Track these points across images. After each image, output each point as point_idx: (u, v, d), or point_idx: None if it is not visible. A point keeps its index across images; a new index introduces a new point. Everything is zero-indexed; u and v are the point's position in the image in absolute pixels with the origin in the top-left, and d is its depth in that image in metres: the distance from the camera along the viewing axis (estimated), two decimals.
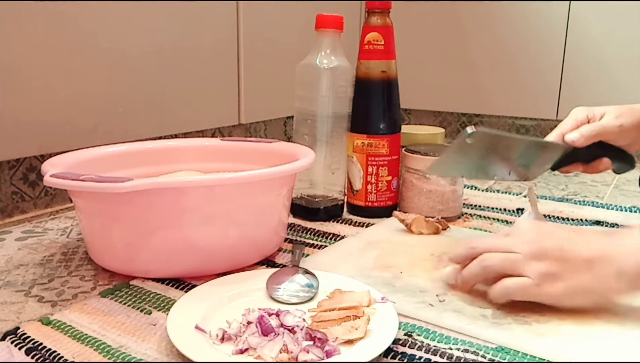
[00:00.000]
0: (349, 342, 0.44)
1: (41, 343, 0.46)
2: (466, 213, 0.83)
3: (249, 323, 0.47)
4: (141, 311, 0.52)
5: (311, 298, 0.53)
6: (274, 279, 0.55)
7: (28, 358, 0.44)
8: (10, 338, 0.46)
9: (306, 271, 0.57)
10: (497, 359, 0.44)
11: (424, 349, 0.45)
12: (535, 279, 0.48)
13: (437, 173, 0.68)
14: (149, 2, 0.92)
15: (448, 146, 0.61)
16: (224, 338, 0.45)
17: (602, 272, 0.47)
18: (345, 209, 0.84)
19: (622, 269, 0.47)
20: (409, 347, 0.46)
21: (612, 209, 0.87)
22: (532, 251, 0.49)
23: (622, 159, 0.67)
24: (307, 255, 0.66)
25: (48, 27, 0.79)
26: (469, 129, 0.54)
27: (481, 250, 0.52)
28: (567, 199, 0.93)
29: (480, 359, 0.44)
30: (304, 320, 0.48)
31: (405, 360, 0.44)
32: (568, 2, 1.26)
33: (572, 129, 0.64)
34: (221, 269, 0.59)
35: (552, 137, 0.65)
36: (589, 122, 0.64)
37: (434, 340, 0.47)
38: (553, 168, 0.66)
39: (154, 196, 0.53)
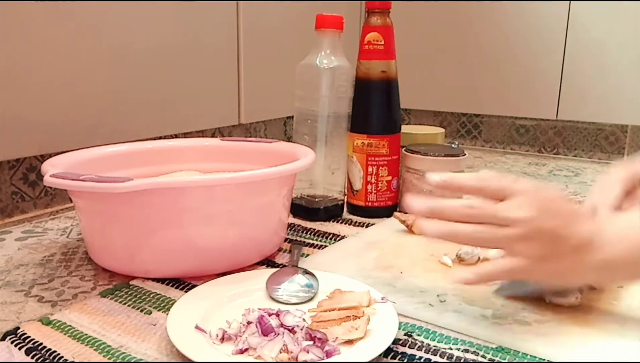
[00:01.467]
0: (349, 342, 0.44)
1: (41, 343, 0.46)
2: None
3: (249, 323, 0.47)
4: (141, 311, 0.52)
5: (311, 299, 0.53)
6: (273, 279, 0.55)
7: (28, 358, 0.44)
8: (10, 338, 0.46)
9: (306, 272, 0.57)
10: (497, 359, 0.44)
11: (424, 349, 0.45)
12: (524, 260, 0.47)
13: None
14: (149, 2, 0.92)
15: None
16: (224, 338, 0.45)
17: (586, 260, 0.47)
18: (345, 209, 0.84)
19: (607, 259, 0.46)
20: (409, 347, 0.46)
21: None
22: (526, 232, 0.47)
23: None
24: (307, 255, 0.66)
25: (48, 27, 0.79)
26: None
27: (478, 214, 0.48)
28: None
29: (480, 359, 0.44)
30: (304, 320, 0.48)
31: (405, 360, 0.44)
32: (568, 2, 1.26)
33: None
34: (221, 269, 0.59)
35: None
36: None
37: (434, 340, 0.47)
38: None
39: (154, 196, 0.53)
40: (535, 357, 0.44)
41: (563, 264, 0.48)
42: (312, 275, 0.56)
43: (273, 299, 0.53)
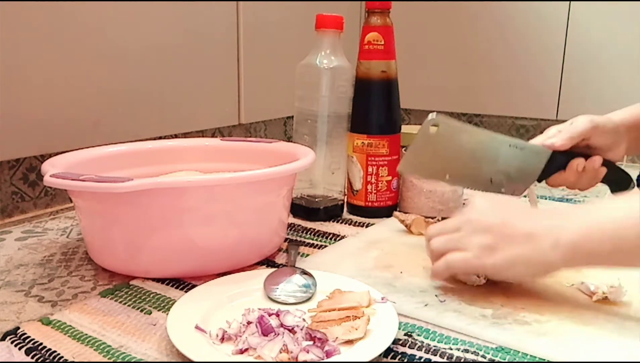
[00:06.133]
0: (349, 342, 0.44)
1: (41, 343, 0.46)
2: None
3: (249, 323, 0.47)
4: (141, 311, 0.52)
5: (309, 299, 0.53)
6: (271, 279, 0.55)
7: (28, 358, 0.44)
8: (10, 338, 0.46)
9: (304, 272, 0.57)
10: (497, 359, 0.44)
11: (424, 349, 0.45)
12: (474, 251, 0.51)
13: (408, 171, 0.66)
14: (149, 2, 0.92)
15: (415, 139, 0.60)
16: (224, 338, 0.45)
17: (539, 243, 0.49)
18: (345, 209, 0.84)
19: (559, 241, 0.48)
20: (409, 347, 0.46)
21: None
22: (473, 227, 0.52)
23: (616, 178, 0.67)
24: (307, 255, 0.66)
25: (48, 27, 0.79)
26: (431, 115, 0.54)
27: (430, 236, 0.56)
28: (567, 200, 0.93)
29: (480, 359, 0.44)
30: (304, 320, 0.48)
31: (405, 360, 0.44)
32: (568, 2, 1.25)
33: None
34: (221, 269, 0.59)
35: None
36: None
37: (434, 340, 0.47)
38: (539, 179, 0.66)
39: (154, 196, 0.53)
40: (535, 357, 0.44)
41: (516, 252, 0.50)
42: (310, 275, 0.56)
43: (271, 299, 0.53)
